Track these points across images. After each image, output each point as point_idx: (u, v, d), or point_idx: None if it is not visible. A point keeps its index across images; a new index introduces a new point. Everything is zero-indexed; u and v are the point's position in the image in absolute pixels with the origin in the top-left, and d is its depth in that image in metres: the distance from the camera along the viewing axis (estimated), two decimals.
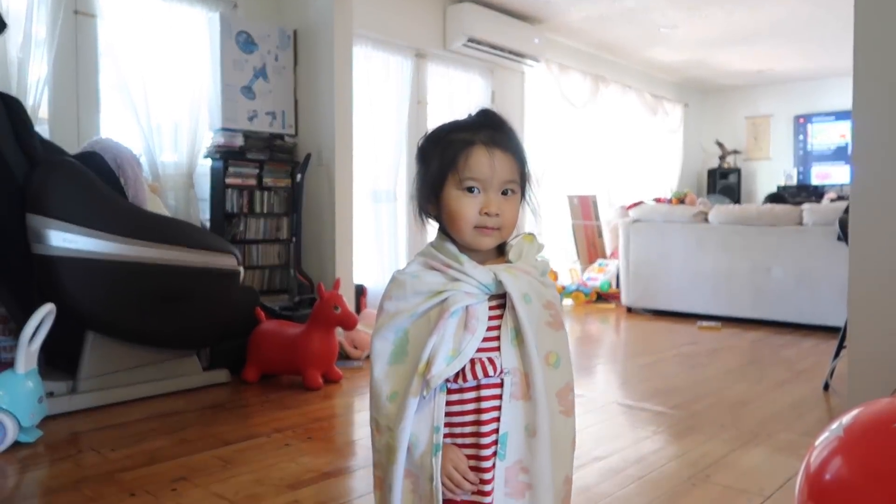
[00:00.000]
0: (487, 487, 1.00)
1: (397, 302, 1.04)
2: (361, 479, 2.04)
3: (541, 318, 1.05)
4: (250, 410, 2.76)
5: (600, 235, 6.68)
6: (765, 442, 2.36)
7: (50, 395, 2.58)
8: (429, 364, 0.98)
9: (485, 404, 1.01)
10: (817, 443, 1.28)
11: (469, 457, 1.01)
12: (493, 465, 1.00)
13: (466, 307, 1.01)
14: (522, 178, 1.07)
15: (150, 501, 1.86)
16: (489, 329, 1.03)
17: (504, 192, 1.04)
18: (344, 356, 3.54)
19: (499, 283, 1.02)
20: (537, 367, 1.02)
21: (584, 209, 6.65)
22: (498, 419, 1.02)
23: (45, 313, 2.33)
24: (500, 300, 1.04)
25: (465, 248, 1.05)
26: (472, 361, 1.01)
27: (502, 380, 1.02)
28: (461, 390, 1.02)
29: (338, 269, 3.79)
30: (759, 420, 2.61)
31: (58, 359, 2.86)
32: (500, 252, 1.10)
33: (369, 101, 4.59)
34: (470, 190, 1.02)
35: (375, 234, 4.72)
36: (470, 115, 1.08)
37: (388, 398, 1.02)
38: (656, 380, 3.33)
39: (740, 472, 2.09)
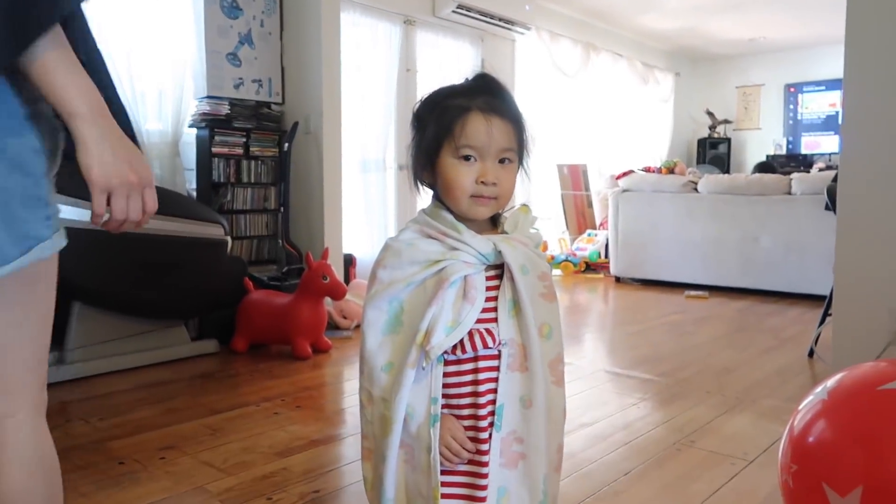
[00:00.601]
0: (485, 458, 1.00)
1: (392, 270, 1.02)
2: (350, 447, 2.06)
3: (536, 289, 1.04)
4: (239, 380, 2.77)
5: (590, 205, 6.67)
6: (749, 408, 2.39)
7: None
8: (428, 335, 0.97)
9: (482, 375, 1.01)
10: (801, 406, 1.29)
11: (466, 428, 1.01)
12: (491, 436, 1.00)
13: (465, 277, 0.99)
14: (520, 147, 1.04)
15: (139, 469, 1.87)
16: (487, 300, 1.01)
17: (501, 161, 1.02)
18: (333, 326, 3.54)
19: (498, 253, 1.01)
20: (535, 339, 1.01)
21: (574, 179, 6.63)
22: (495, 391, 1.01)
23: None
24: (497, 271, 1.03)
25: (460, 217, 1.03)
26: (471, 333, 0.99)
27: (499, 351, 1.01)
28: (459, 361, 1.01)
29: (326, 239, 3.77)
30: (744, 386, 2.64)
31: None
32: (494, 222, 1.08)
33: (357, 69, 4.53)
34: (466, 158, 1.00)
35: (365, 204, 4.68)
36: (467, 79, 1.05)
37: (382, 369, 1.01)
38: (643, 348, 3.35)
39: (725, 437, 2.12)
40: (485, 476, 1.00)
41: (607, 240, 5.72)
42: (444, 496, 1.00)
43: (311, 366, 2.98)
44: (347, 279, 4.00)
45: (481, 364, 1.01)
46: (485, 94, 1.01)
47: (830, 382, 1.26)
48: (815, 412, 1.23)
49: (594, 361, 3.15)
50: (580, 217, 6.61)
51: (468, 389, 1.01)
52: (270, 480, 1.80)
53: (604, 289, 5.27)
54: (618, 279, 5.49)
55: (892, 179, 2.31)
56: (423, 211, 1.07)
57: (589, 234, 6.29)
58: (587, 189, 6.66)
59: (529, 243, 1.06)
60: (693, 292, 4.85)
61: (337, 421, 2.35)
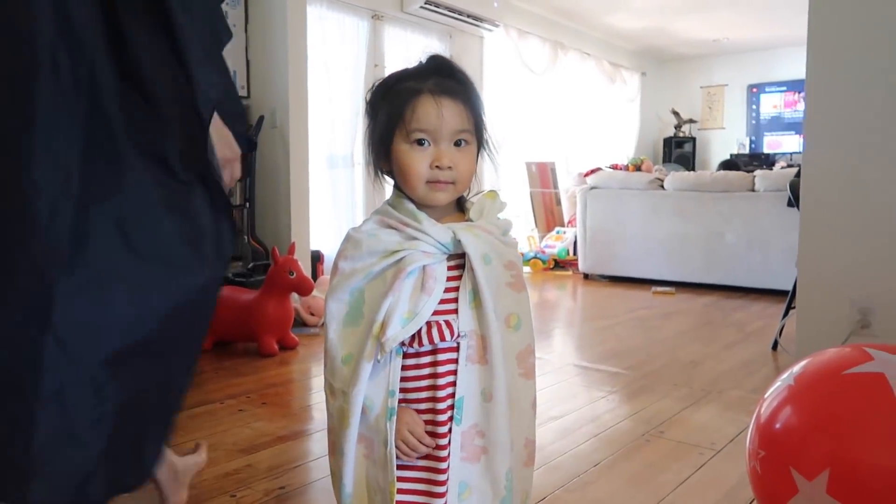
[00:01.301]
0: (443, 453, 0.97)
1: (352, 262, 0.99)
2: (317, 443, 2.02)
3: (501, 278, 1.01)
4: (204, 378, 2.70)
5: (558, 203, 6.70)
6: (716, 399, 2.41)
7: None
8: (383, 326, 0.94)
9: (441, 369, 0.98)
10: (767, 394, 1.30)
11: (426, 422, 0.98)
12: (450, 430, 0.97)
13: (424, 267, 0.96)
14: (478, 128, 1.01)
15: None
16: (447, 290, 0.98)
17: (457, 143, 0.98)
18: (300, 323, 3.49)
19: (458, 242, 0.97)
20: (495, 331, 0.98)
21: (543, 176, 6.65)
22: (454, 383, 0.98)
23: None
24: (460, 260, 1.00)
25: (422, 206, 1.00)
26: (429, 325, 0.97)
27: (458, 343, 0.98)
28: (417, 354, 0.98)
29: (293, 235, 3.72)
30: (711, 379, 2.67)
31: None
32: (461, 209, 1.05)
33: (324, 64, 4.48)
34: (420, 143, 0.96)
35: (332, 200, 4.64)
36: (420, 62, 1.01)
37: (342, 361, 0.98)
38: (611, 342, 3.37)
39: (692, 427, 2.13)
40: (444, 471, 0.97)
41: (576, 237, 5.75)
42: (402, 491, 0.98)
43: (278, 363, 2.93)
44: (315, 275, 3.95)
45: (440, 357, 0.98)
46: (436, 75, 0.98)
47: (796, 368, 1.27)
48: (781, 398, 1.24)
49: (563, 356, 3.15)
50: (549, 214, 6.64)
51: (427, 383, 0.98)
52: (235, 477, 1.76)
53: (572, 285, 5.30)
54: (586, 276, 5.52)
55: (853, 175, 2.35)
56: (387, 201, 1.05)
57: (557, 232, 6.32)
58: (555, 186, 6.70)
59: (496, 230, 1.03)
60: (660, 288, 4.90)
61: (304, 417, 2.31)
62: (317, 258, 4.05)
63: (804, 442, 1.16)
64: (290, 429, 2.14)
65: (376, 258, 0.98)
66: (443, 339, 0.97)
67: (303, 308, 3.52)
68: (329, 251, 4.34)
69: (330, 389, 1.00)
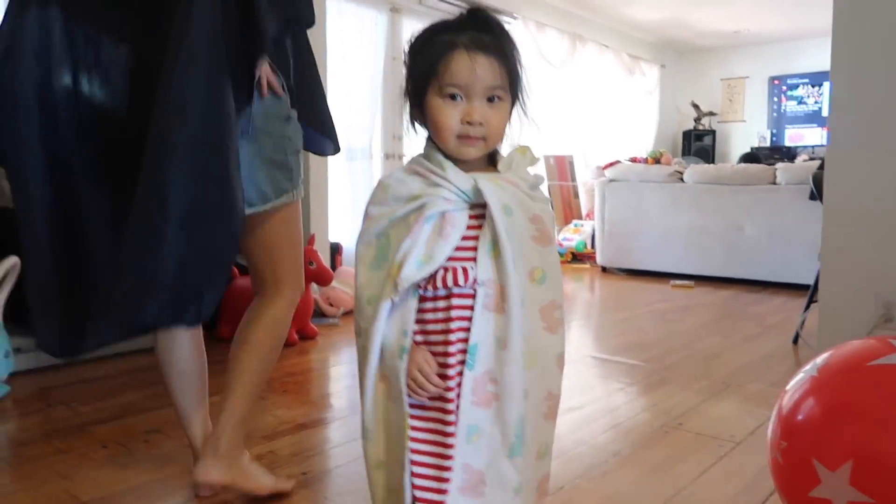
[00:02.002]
0: (449, 395, 0.99)
1: (380, 206, 1.03)
2: (336, 430, 2.04)
3: (525, 231, 1.02)
4: (224, 366, 2.73)
5: (576, 196, 6.68)
6: (735, 392, 2.40)
7: (17, 350, 2.53)
8: (399, 267, 0.97)
9: (454, 313, 0.99)
10: (790, 385, 1.30)
11: (439, 365, 1.00)
12: (458, 374, 0.99)
13: (443, 213, 0.99)
14: (513, 84, 1.02)
15: (123, 452, 1.84)
16: (467, 239, 1.00)
17: (490, 99, 0.99)
18: (319, 313, 3.51)
19: (478, 191, 0.99)
20: (513, 280, 0.99)
21: (561, 170, 6.63)
22: (466, 329, 0.99)
23: (8, 268, 2.27)
24: (482, 210, 1.01)
25: (453, 159, 1.02)
26: (444, 269, 0.98)
27: (475, 290, 0.99)
28: (434, 298, 1.00)
29: (313, 226, 3.73)
30: (730, 371, 2.66)
31: (24, 314, 2.80)
32: (492, 163, 1.07)
33: (343, 58, 4.48)
34: (452, 97, 0.98)
35: (351, 192, 4.65)
36: (462, 14, 1.02)
37: (367, 301, 1.02)
38: (630, 334, 3.36)
39: (711, 420, 2.13)
40: (451, 412, 0.99)
41: (593, 230, 5.73)
42: (415, 428, 1.00)
43: (298, 352, 2.95)
44: (333, 267, 3.97)
45: (455, 302, 0.99)
46: (472, 29, 0.99)
47: (820, 359, 1.27)
48: (805, 389, 1.24)
49: (580, 347, 3.15)
50: (566, 207, 6.62)
51: (441, 327, 1.00)
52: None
53: (590, 278, 5.28)
54: (604, 269, 5.50)
55: (878, 167, 2.32)
56: (420, 153, 1.07)
57: (575, 225, 6.30)
58: (573, 179, 6.67)
59: (522, 184, 1.04)
60: (679, 282, 4.87)
61: (323, 405, 2.33)
62: (336, 250, 4.07)
63: (827, 433, 1.15)
64: (311, 416, 2.16)
65: (400, 203, 1.01)
66: (456, 283, 0.98)
67: (322, 298, 3.55)
68: (348, 243, 4.36)
69: (357, 329, 1.04)
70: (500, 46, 1.00)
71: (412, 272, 0.96)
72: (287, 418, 2.12)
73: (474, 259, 1.00)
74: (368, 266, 1.03)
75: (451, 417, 0.99)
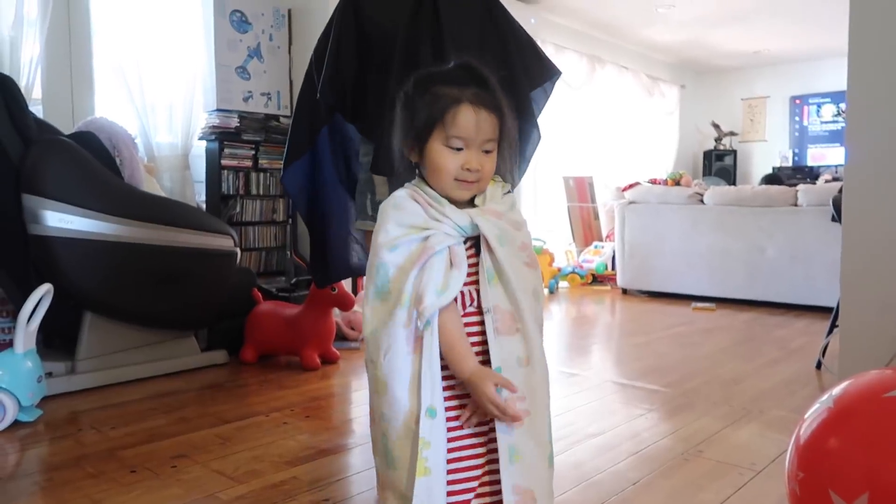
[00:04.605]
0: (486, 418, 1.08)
1: (397, 228, 1.10)
2: (358, 456, 2.07)
3: (519, 259, 1.12)
4: (248, 390, 2.79)
5: (596, 217, 6.69)
6: (757, 418, 2.39)
7: (49, 375, 2.60)
8: (420, 297, 1.04)
9: (469, 339, 1.09)
10: (807, 415, 1.30)
11: (459, 395, 1.08)
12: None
13: (449, 247, 1.08)
14: (501, 135, 1.13)
15: (151, 477, 1.89)
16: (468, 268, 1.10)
17: (486, 150, 1.10)
18: (341, 337, 3.56)
19: (475, 226, 1.09)
20: (524, 304, 1.09)
21: (580, 191, 6.65)
22: (480, 353, 1.09)
23: (43, 293, 2.34)
24: (472, 242, 1.12)
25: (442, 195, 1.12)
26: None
27: (480, 313, 1.09)
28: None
29: None
30: (752, 397, 2.65)
31: (56, 339, 2.88)
32: (470, 198, 1.17)
33: None
34: (455, 147, 1.08)
35: None
36: (454, 64, 1.13)
37: (371, 333, 1.09)
38: (650, 359, 3.36)
39: (732, 447, 2.12)
40: (492, 438, 1.07)
41: (614, 252, 5.73)
42: (458, 459, 1.07)
43: (320, 376, 2.99)
44: (355, 291, 4.02)
45: (465, 329, 1.09)
46: (475, 85, 1.09)
47: (836, 390, 1.27)
48: (821, 420, 1.24)
49: (601, 372, 3.15)
50: (587, 229, 6.62)
51: None
52: (281, 489, 1.81)
53: (610, 300, 5.27)
54: (624, 291, 5.49)
55: None
56: (413, 182, 1.16)
57: (595, 246, 6.31)
58: (593, 201, 6.68)
59: (503, 213, 1.14)
60: (700, 304, 4.85)
61: (345, 431, 2.36)
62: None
63: (843, 464, 1.16)
64: (333, 442, 2.19)
65: (404, 230, 1.09)
66: (464, 307, 1.09)
67: (344, 323, 3.59)
68: None
69: (369, 360, 1.11)
70: (497, 103, 1.10)
71: (434, 300, 1.04)
72: (309, 444, 2.16)
73: (473, 284, 1.10)
74: (374, 298, 1.09)
75: (493, 444, 1.06)
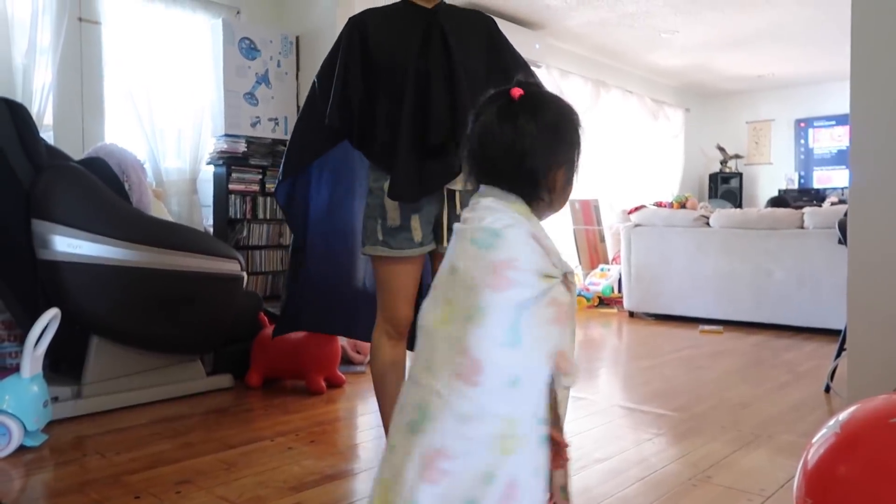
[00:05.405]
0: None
1: (517, 273, 1.05)
2: (363, 482, 2.06)
3: None
4: (254, 415, 2.78)
5: (602, 240, 6.69)
6: (766, 443, 2.37)
7: (55, 399, 2.60)
8: (564, 356, 1.07)
9: None
10: (815, 440, 1.29)
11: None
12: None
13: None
14: None
15: (155, 503, 1.88)
16: None
17: None
18: (346, 361, 3.55)
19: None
20: None
21: (586, 214, 6.66)
22: None
23: (50, 318, 2.35)
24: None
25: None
26: None
27: None
28: None
29: None
30: (760, 422, 2.62)
31: (63, 363, 2.88)
32: None
33: None
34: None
35: None
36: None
37: (511, 383, 1.06)
38: (657, 382, 3.34)
39: (741, 472, 2.10)
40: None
41: (620, 274, 5.72)
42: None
43: (325, 401, 2.99)
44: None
45: None
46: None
47: (843, 416, 1.27)
48: (828, 445, 1.24)
49: (608, 396, 3.13)
50: (592, 252, 6.62)
51: None
52: None
53: (617, 323, 5.25)
54: (631, 314, 5.48)
55: None
56: (519, 209, 1.09)
57: (602, 269, 6.30)
58: (599, 224, 6.69)
59: None
60: (708, 327, 4.82)
61: (350, 456, 2.35)
62: None
63: (850, 490, 1.15)
64: (338, 467, 2.18)
65: (536, 277, 1.04)
66: None
67: (349, 346, 3.59)
68: None
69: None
70: None
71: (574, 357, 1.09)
72: (314, 469, 2.15)
73: None
74: (502, 342, 1.04)
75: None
